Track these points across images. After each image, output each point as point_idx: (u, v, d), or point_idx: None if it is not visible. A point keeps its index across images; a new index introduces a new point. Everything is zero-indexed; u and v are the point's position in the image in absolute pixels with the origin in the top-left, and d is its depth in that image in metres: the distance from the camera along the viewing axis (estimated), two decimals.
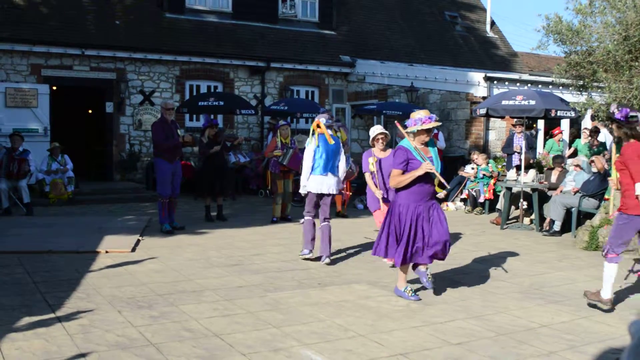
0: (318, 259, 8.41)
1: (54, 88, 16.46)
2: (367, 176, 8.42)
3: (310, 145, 8.36)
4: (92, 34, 16.79)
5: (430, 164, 6.32)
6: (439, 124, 6.66)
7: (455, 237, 10.45)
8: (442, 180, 6.46)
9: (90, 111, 20.38)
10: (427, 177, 6.41)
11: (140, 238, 9.81)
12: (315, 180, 8.33)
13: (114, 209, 13.42)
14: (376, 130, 8.32)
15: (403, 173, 6.39)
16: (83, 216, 12.20)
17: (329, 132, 8.38)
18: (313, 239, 8.48)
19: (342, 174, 8.52)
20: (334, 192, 8.44)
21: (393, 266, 7.58)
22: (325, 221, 8.44)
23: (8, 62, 15.86)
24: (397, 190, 6.53)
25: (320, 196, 8.43)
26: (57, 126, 16.21)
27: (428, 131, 6.46)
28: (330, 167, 8.34)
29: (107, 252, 8.70)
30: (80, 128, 20.01)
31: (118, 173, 17.19)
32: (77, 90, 18.29)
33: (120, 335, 5.24)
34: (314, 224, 8.49)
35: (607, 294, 6.27)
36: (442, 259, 6.77)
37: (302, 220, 8.79)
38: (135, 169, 17.21)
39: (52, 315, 5.74)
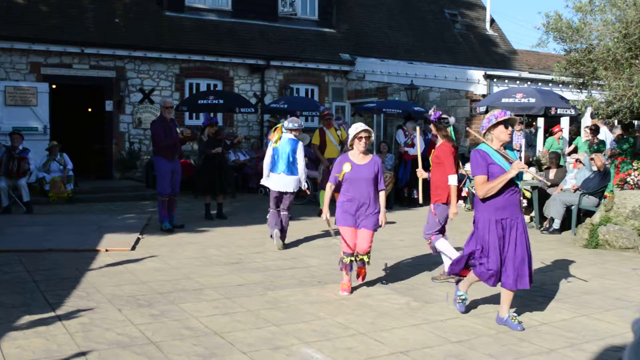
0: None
1: (54, 86, 16.45)
2: (329, 187, 6.90)
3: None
4: (91, 32, 16.78)
5: (521, 163, 5.50)
6: (515, 118, 5.70)
7: (455, 234, 10.45)
8: (539, 177, 6.26)
9: (89, 109, 20.37)
10: (513, 185, 5.54)
11: (140, 236, 9.81)
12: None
13: (113, 207, 13.41)
14: (359, 127, 6.71)
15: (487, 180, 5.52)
16: (83, 215, 12.20)
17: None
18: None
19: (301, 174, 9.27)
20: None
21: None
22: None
23: (7, 61, 15.84)
24: (482, 200, 5.60)
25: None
26: (56, 125, 16.21)
27: (507, 127, 5.57)
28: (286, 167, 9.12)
29: (107, 250, 8.69)
30: (79, 126, 20.01)
31: (118, 171, 17.18)
32: (77, 89, 18.30)
33: (121, 333, 5.24)
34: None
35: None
36: (523, 287, 5.68)
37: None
38: (135, 167, 17.20)
39: (52, 314, 5.73)
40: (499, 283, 5.69)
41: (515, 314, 5.70)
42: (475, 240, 5.71)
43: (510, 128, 5.63)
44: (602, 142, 14.19)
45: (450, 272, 6.11)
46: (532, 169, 14.41)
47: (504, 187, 5.48)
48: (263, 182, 9.43)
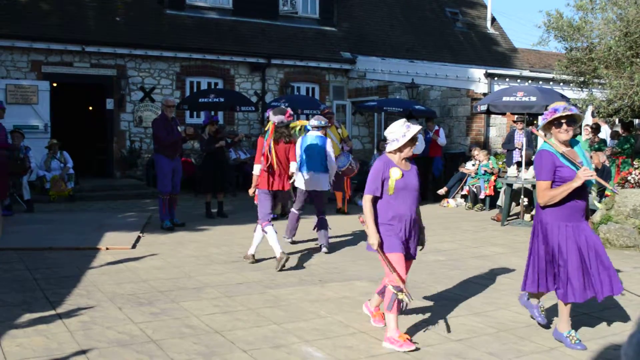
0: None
1: (55, 85, 16.46)
2: (369, 201, 5.18)
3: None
4: (92, 30, 16.77)
5: (588, 170, 4.94)
6: (570, 112, 5.01)
7: (455, 233, 10.46)
8: (609, 186, 5.37)
9: (90, 108, 20.37)
10: (580, 189, 5.02)
11: (140, 235, 9.81)
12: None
13: (114, 205, 13.42)
14: (414, 129, 5.15)
15: (552, 185, 5.06)
16: (83, 213, 12.21)
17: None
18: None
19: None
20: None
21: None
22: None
23: (8, 59, 15.84)
24: (544, 207, 5.15)
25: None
26: (57, 123, 16.21)
27: (559, 126, 5.05)
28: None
29: (107, 248, 8.70)
30: (80, 125, 20.01)
31: (118, 170, 17.18)
32: (78, 87, 18.30)
33: (121, 332, 5.25)
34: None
35: (252, 250, 8.03)
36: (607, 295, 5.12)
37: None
38: (135, 166, 17.20)
39: (52, 312, 5.74)
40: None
41: (574, 334, 5.18)
42: (533, 251, 5.30)
43: (565, 125, 5.03)
44: (603, 141, 14.19)
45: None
46: (469, 164, 14.42)
47: (571, 192, 4.97)
48: (297, 184, 9.04)
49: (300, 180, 8.94)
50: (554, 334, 5.27)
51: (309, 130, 9.32)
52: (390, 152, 5.21)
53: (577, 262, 5.01)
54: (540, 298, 5.54)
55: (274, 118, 8.01)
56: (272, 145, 7.95)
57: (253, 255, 8.09)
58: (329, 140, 9.16)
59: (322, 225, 8.92)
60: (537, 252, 5.24)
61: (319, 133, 9.12)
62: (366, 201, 5.15)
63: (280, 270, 7.57)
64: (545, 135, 5.24)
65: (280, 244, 7.75)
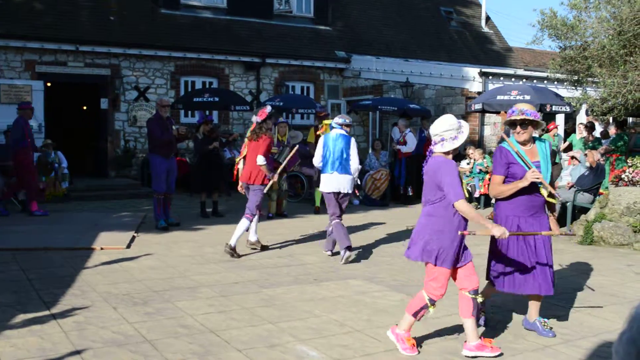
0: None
1: (49, 84, 16.41)
2: (468, 207, 4.84)
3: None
4: (86, 29, 16.73)
5: (536, 172, 5.14)
6: (524, 116, 5.17)
7: None
8: (552, 191, 5.27)
9: (84, 107, 20.32)
10: (535, 187, 5.23)
11: (135, 234, 9.80)
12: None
13: (109, 205, 13.39)
14: (466, 123, 4.97)
15: (505, 180, 5.30)
16: (78, 213, 12.18)
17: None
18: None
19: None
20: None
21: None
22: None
23: (2, 58, 15.78)
24: (498, 200, 5.46)
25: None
26: (51, 123, 16.16)
27: (514, 127, 5.29)
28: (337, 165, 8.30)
29: (102, 248, 8.68)
30: (75, 125, 19.95)
31: (113, 169, 17.15)
32: (72, 87, 18.24)
33: (116, 331, 5.24)
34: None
35: (233, 241, 8.33)
36: (543, 295, 5.42)
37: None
38: (130, 165, 17.17)
39: (47, 313, 5.72)
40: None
41: (546, 320, 5.48)
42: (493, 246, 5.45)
43: (519, 127, 5.25)
44: (598, 140, 14.22)
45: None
46: (464, 163, 14.45)
47: (525, 188, 5.17)
48: (321, 187, 8.49)
49: (323, 183, 8.38)
50: (524, 323, 5.55)
51: (332, 128, 8.66)
52: (444, 153, 4.82)
53: (517, 256, 5.28)
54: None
55: (253, 118, 8.78)
56: (246, 142, 8.89)
57: (259, 243, 8.68)
58: (353, 140, 8.56)
59: (339, 228, 8.19)
60: (494, 247, 5.44)
61: (343, 131, 8.47)
62: (465, 205, 4.72)
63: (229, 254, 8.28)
64: (508, 135, 5.46)
65: (237, 236, 8.41)
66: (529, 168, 5.16)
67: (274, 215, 11.92)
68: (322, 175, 8.41)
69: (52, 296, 6.28)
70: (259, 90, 18.89)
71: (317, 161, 8.54)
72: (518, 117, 5.18)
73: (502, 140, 5.64)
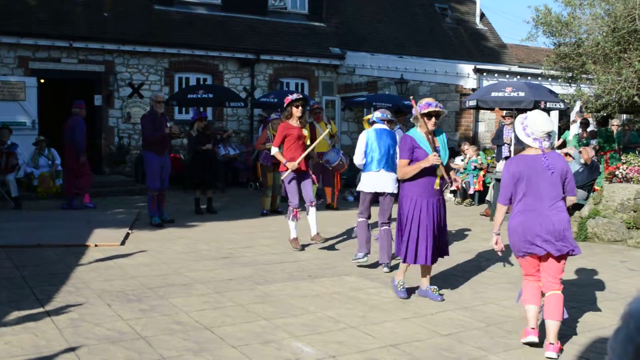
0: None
1: (42, 81, 16.35)
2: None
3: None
4: (80, 26, 16.67)
5: (436, 156, 5.94)
6: (438, 109, 6.07)
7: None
8: (445, 175, 6.05)
9: None
10: (434, 169, 6.05)
11: (129, 231, 9.78)
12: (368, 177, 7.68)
13: (103, 202, 13.35)
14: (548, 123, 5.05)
15: (410, 163, 6.05)
16: (72, 210, 12.13)
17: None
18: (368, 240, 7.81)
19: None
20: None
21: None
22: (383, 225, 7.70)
23: None
24: (403, 181, 6.22)
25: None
26: (45, 119, 16.11)
27: (430, 118, 6.04)
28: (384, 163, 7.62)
29: (96, 245, 8.66)
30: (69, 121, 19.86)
31: (107, 166, 17.10)
32: (66, 83, 18.18)
33: (110, 328, 5.23)
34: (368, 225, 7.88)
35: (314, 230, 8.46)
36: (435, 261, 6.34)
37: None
38: (124, 162, 17.12)
39: (41, 310, 5.71)
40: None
41: (436, 287, 6.39)
42: (401, 223, 6.21)
43: (434, 119, 6.10)
44: (587, 139, 14.25)
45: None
46: (459, 160, 14.45)
47: (426, 171, 6.02)
48: (360, 186, 7.78)
49: (366, 181, 7.67)
50: (419, 292, 6.40)
51: (372, 122, 7.95)
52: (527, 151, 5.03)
53: (419, 232, 6.06)
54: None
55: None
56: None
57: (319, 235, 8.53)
58: (397, 136, 7.83)
59: (385, 237, 7.58)
60: (402, 224, 6.18)
61: (385, 126, 7.82)
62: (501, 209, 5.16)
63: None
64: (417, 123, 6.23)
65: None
66: (432, 152, 5.97)
67: (268, 211, 11.90)
68: (366, 174, 7.62)
69: (46, 293, 6.26)
70: (253, 86, 18.86)
71: (359, 159, 7.69)
72: (437, 109, 6.04)
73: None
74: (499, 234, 5.15)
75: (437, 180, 6.13)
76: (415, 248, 6.11)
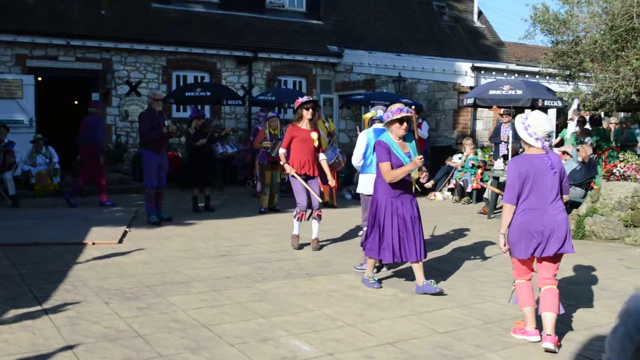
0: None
1: (39, 79, 16.32)
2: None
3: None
4: (77, 24, 16.64)
5: (421, 159, 6.18)
6: (409, 114, 6.27)
7: (442, 226, 10.49)
8: (421, 177, 6.37)
9: (76, 102, 20.22)
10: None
11: (127, 229, 9.77)
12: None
13: (101, 200, 13.32)
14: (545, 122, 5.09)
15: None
16: (69, 208, 12.12)
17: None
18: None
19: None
20: None
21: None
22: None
23: None
24: (377, 181, 6.46)
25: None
26: (42, 117, 16.08)
27: (402, 124, 6.26)
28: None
29: (94, 243, 8.65)
30: (66, 119, 19.85)
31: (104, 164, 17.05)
32: (63, 81, 18.15)
33: (108, 326, 5.22)
34: None
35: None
36: (419, 260, 6.38)
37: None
38: (121, 160, 17.10)
39: (38, 308, 5.70)
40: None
41: (433, 280, 6.49)
42: (373, 221, 6.44)
43: (405, 124, 6.28)
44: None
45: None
46: (456, 158, 14.50)
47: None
48: (360, 190, 7.59)
49: (364, 183, 7.45)
50: (416, 289, 6.44)
51: (372, 122, 7.66)
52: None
53: (394, 231, 6.28)
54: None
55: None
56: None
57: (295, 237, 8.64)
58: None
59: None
60: (373, 223, 6.42)
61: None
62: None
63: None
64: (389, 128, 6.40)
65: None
66: (404, 157, 6.26)
67: (266, 209, 11.90)
68: (365, 176, 7.38)
69: (44, 291, 6.26)
70: (251, 84, 18.85)
71: (356, 160, 7.53)
72: (409, 114, 6.24)
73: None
74: (505, 234, 5.12)
75: (413, 182, 6.41)
76: (381, 245, 6.36)
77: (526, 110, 15.64)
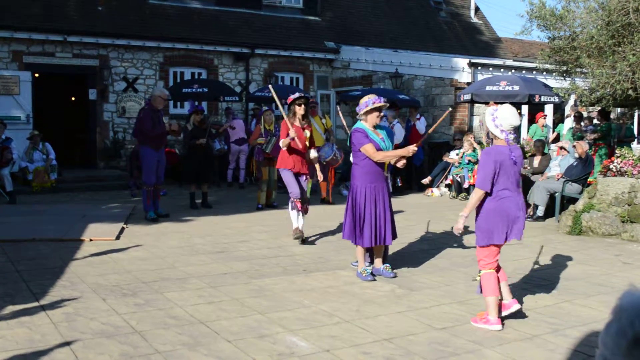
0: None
1: (36, 75, 16.30)
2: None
3: None
4: (74, 20, 16.62)
5: (415, 148, 6.67)
6: (386, 105, 6.80)
7: (440, 222, 10.50)
8: (398, 164, 6.78)
9: (73, 98, 20.21)
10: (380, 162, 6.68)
11: (124, 226, 9.77)
12: None
13: (97, 196, 13.34)
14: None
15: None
16: (67, 204, 12.13)
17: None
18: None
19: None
20: None
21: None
22: None
23: None
24: (354, 168, 6.73)
25: None
26: (39, 114, 16.07)
27: (380, 112, 6.65)
28: None
29: (91, 240, 8.65)
30: (63, 115, 19.85)
31: (102, 161, 17.08)
32: (60, 78, 18.13)
33: (105, 323, 5.23)
34: None
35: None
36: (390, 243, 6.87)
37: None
38: (119, 157, 17.10)
39: (36, 304, 5.70)
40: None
41: (388, 265, 6.92)
42: (351, 207, 6.71)
43: (381, 113, 6.71)
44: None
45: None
46: (453, 154, 14.45)
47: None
48: None
49: None
50: (374, 270, 6.83)
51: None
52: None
53: (372, 216, 6.58)
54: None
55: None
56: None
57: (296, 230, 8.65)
58: (397, 132, 7.99)
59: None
60: (352, 208, 6.68)
61: (385, 123, 7.80)
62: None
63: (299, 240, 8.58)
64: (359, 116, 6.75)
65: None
66: (379, 141, 6.60)
67: (263, 206, 11.90)
68: None
69: (41, 287, 6.26)
70: (248, 81, 18.84)
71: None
72: (383, 104, 6.58)
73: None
74: (467, 217, 5.46)
75: (385, 168, 6.87)
76: (361, 230, 6.61)
77: (523, 107, 15.69)
